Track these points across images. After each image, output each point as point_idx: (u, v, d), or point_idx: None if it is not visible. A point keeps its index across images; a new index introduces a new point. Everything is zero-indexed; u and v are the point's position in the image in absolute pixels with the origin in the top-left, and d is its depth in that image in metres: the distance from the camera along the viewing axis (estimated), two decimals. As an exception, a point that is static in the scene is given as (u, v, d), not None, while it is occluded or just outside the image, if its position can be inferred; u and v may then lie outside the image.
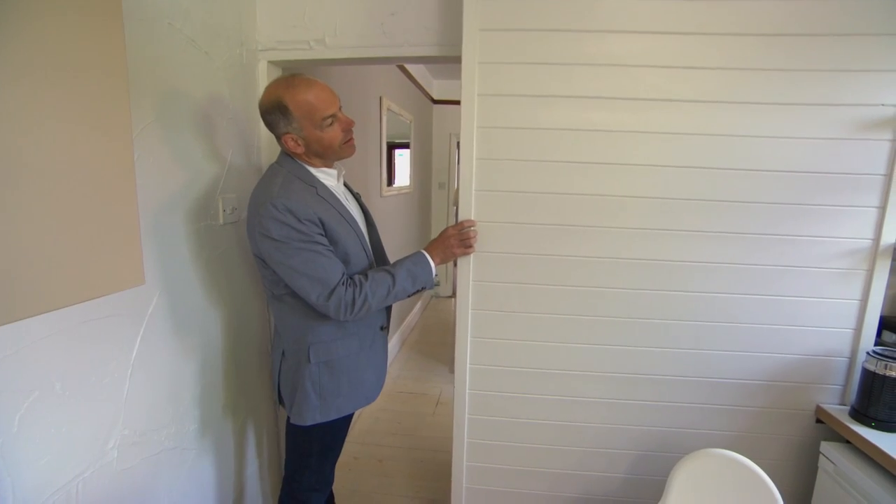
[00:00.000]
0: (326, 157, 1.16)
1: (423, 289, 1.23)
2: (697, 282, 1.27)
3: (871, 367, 1.17)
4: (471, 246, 1.28)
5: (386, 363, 1.34)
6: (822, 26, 1.13)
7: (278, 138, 1.13)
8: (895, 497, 1.02)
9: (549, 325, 1.32)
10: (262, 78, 1.48)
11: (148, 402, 1.08)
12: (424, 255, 1.21)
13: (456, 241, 1.25)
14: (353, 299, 1.10)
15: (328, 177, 1.18)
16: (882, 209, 1.18)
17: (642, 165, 1.23)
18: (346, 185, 1.29)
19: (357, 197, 1.33)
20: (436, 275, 1.25)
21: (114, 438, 0.99)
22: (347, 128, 1.16)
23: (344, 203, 1.18)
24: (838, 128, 1.17)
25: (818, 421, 1.30)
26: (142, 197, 1.00)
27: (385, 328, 1.30)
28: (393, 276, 1.15)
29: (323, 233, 1.09)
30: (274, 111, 1.08)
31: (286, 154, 1.16)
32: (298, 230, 1.05)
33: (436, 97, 4.59)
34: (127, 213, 0.61)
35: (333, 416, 1.20)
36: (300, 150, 1.12)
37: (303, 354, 1.17)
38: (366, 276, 1.13)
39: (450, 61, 1.37)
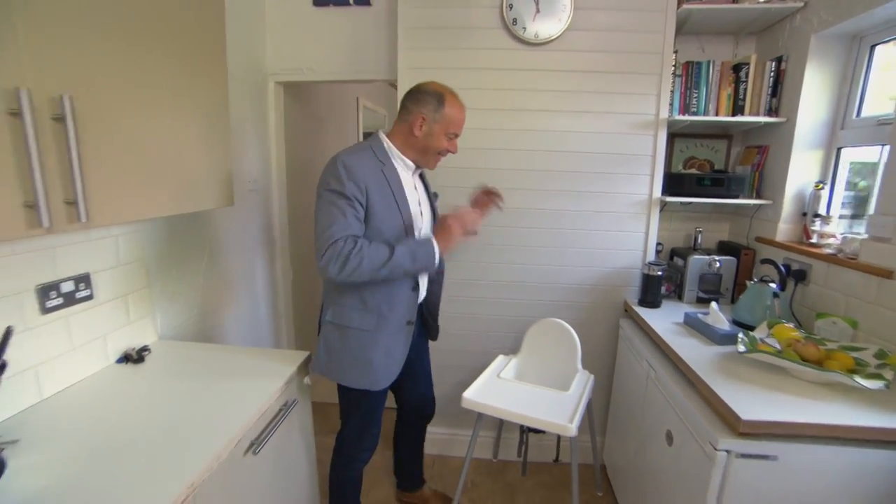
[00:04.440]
0: (423, 153, 1.35)
1: (426, 270, 1.29)
2: (550, 221, 2.03)
3: (646, 272, 1.96)
4: (475, 232, 1.35)
5: (402, 358, 1.38)
6: (612, 67, 1.89)
7: (408, 113, 1.32)
8: (642, 342, 1.80)
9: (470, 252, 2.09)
10: (272, 93, 2.21)
11: (211, 292, 1.84)
12: (429, 238, 1.27)
13: (457, 228, 1.29)
14: (349, 254, 1.16)
15: (404, 165, 1.37)
16: (651, 176, 1.96)
17: (513, 150, 1.99)
18: (425, 184, 1.49)
19: (431, 195, 1.51)
20: (439, 261, 1.29)
21: (196, 307, 1.75)
22: (448, 151, 1.37)
23: (404, 189, 1.32)
24: (626, 126, 1.93)
25: (626, 310, 2.09)
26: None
27: (411, 323, 1.37)
28: (392, 249, 1.20)
29: (362, 199, 1.21)
30: (432, 97, 1.29)
31: (381, 135, 1.36)
32: (342, 183, 1.20)
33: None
34: (224, 156, 1.32)
35: (336, 379, 1.36)
36: (418, 132, 1.30)
37: (325, 311, 1.37)
38: (370, 242, 1.21)
39: (393, 84, 2.10)
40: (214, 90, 1.31)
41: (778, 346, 1.38)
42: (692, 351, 1.48)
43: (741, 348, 1.34)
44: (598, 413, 2.20)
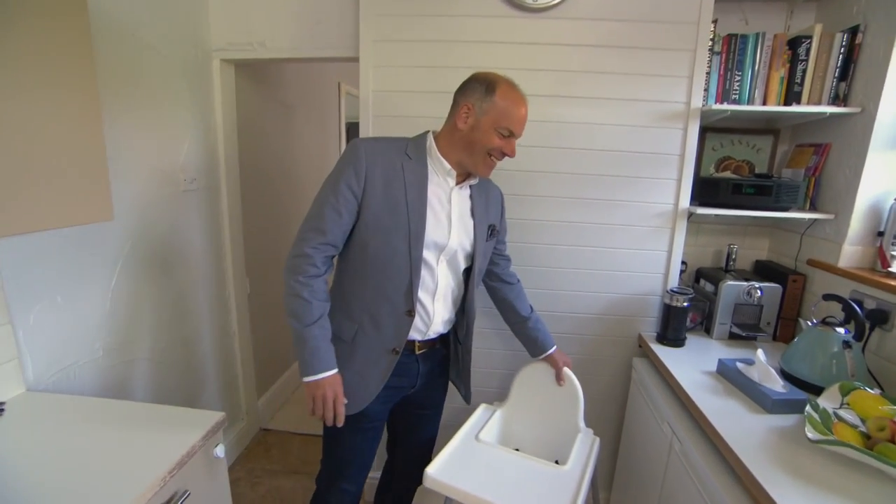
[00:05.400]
0: (469, 152, 1.14)
1: (299, 357, 1.12)
2: (547, 235, 1.64)
3: (667, 301, 1.56)
4: (320, 413, 1.13)
5: (376, 389, 1.19)
6: (631, 40, 1.48)
7: (455, 106, 1.15)
8: (662, 393, 1.41)
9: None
10: (217, 73, 1.83)
11: (125, 318, 1.48)
12: (331, 369, 1.11)
13: (315, 401, 1.12)
14: (299, 272, 1.08)
15: (442, 170, 1.17)
16: (678, 181, 1.55)
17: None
18: (474, 206, 1.23)
19: (477, 221, 1.23)
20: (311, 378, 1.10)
21: (99, 341, 1.39)
22: (502, 152, 1.14)
23: (427, 193, 1.14)
24: (648, 118, 1.53)
25: (640, 346, 1.70)
26: (115, 167, 1.36)
27: (397, 352, 1.18)
28: (305, 326, 1.08)
29: (357, 189, 1.09)
30: (482, 84, 1.10)
31: (429, 133, 1.19)
32: (342, 168, 1.10)
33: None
34: (97, 162, 0.90)
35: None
36: (463, 125, 1.11)
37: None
38: (315, 288, 1.09)
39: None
40: (68, 61, 0.93)
41: (861, 426, 0.99)
42: (734, 422, 1.10)
43: (811, 434, 0.95)
44: (601, 464, 1.81)
